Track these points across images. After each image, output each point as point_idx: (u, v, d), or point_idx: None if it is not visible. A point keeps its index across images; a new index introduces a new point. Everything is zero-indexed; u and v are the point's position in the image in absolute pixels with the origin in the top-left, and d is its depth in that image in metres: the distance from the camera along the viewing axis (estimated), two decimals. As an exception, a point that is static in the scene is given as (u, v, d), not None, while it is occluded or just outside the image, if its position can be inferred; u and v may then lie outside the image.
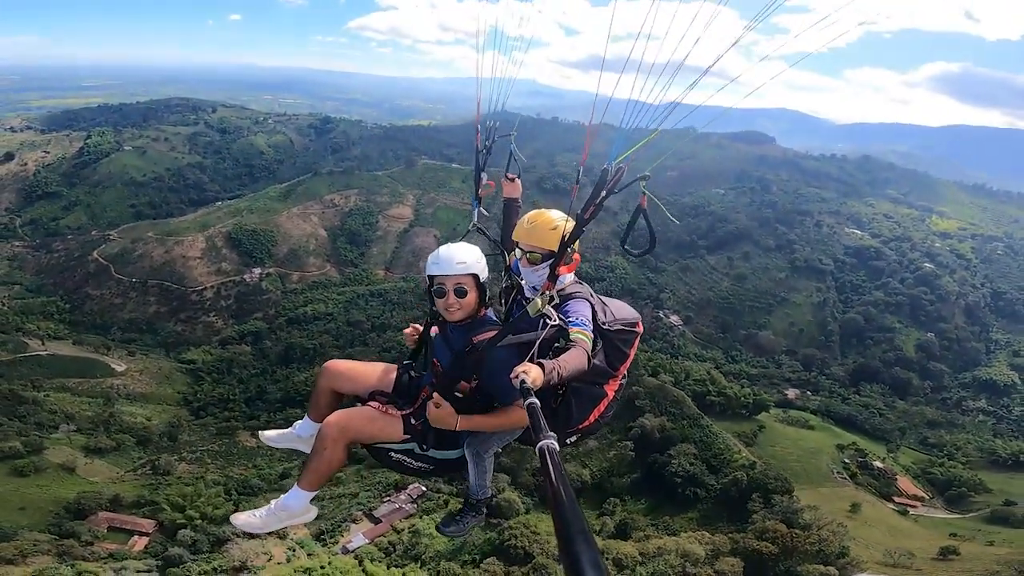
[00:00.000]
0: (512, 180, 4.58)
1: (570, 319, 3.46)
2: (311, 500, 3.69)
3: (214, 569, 44.49)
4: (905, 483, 62.57)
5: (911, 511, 57.83)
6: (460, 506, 4.27)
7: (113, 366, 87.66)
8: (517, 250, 3.76)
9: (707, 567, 39.74)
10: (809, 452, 60.40)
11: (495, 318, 3.75)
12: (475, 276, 3.53)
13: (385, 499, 47.60)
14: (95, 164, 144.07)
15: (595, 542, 1.18)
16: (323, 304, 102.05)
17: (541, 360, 2.96)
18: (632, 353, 3.88)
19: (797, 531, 42.80)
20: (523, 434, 3.79)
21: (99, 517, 50.16)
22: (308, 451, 4.07)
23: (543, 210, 3.80)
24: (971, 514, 58.07)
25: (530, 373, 2.80)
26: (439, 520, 4.23)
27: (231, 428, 72.98)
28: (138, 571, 43.53)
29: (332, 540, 47.74)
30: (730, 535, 44.14)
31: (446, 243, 3.66)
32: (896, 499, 59.21)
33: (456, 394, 3.49)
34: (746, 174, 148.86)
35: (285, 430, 4.35)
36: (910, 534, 50.03)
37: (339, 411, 3.63)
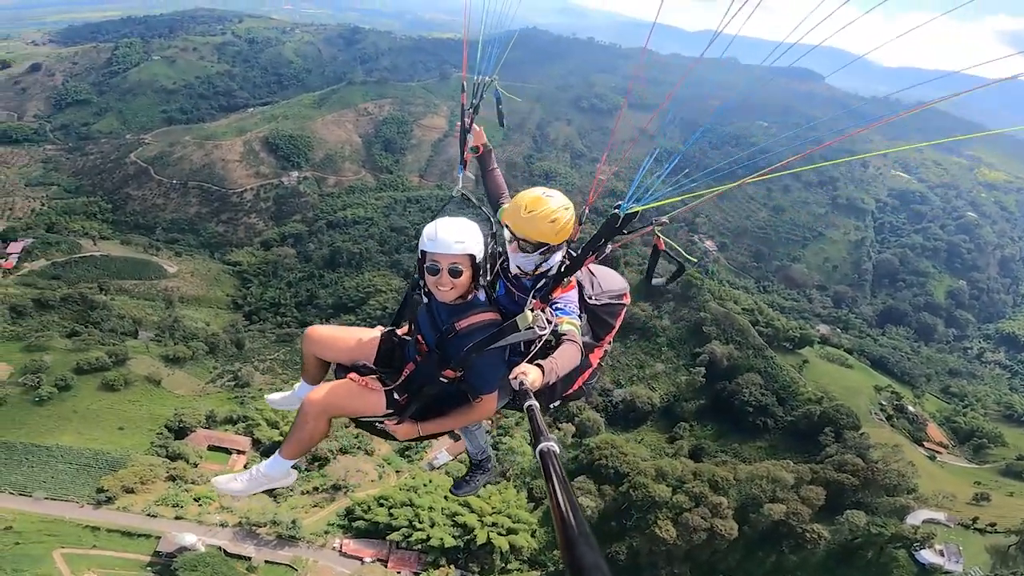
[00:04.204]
0: (477, 128, 4.27)
1: (556, 304, 3.40)
2: (291, 466, 3.72)
3: (315, 488, 48.41)
4: (933, 429, 64.59)
5: (937, 457, 60.33)
6: (469, 468, 4.47)
7: (165, 267, 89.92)
8: (507, 231, 3.48)
9: (793, 493, 42.88)
10: (849, 391, 61.64)
11: (484, 299, 3.50)
12: (472, 256, 3.27)
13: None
14: (124, 73, 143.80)
15: (596, 545, 1.22)
16: (362, 209, 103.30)
17: (540, 361, 2.96)
18: (618, 324, 3.80)
19: (877, 466, 45.68)
20: (510, 401, 3.67)
21: (199, 435, 51.89)
22: None
23: (541, 196, 3.43)
24: (987, 465, 60.36)
25: (529, 375, 2.80)
26: (451, 485, 4.48)
27: (289, 335, 74.65)
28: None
29: (416, 456, 50.44)
30: (809, 466, 46.99)
31: (440, 218, 3.39)
32: (925, 444, 61.34)
33: (441, 379, 3.37)
34: (791, 109, 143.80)
35: (288, 392, 4.36)
36: (939, 479, 52.53)
37: (321, 386, 3.62)
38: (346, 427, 55.33)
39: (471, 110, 4.23)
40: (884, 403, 63.73)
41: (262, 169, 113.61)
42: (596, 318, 3.68)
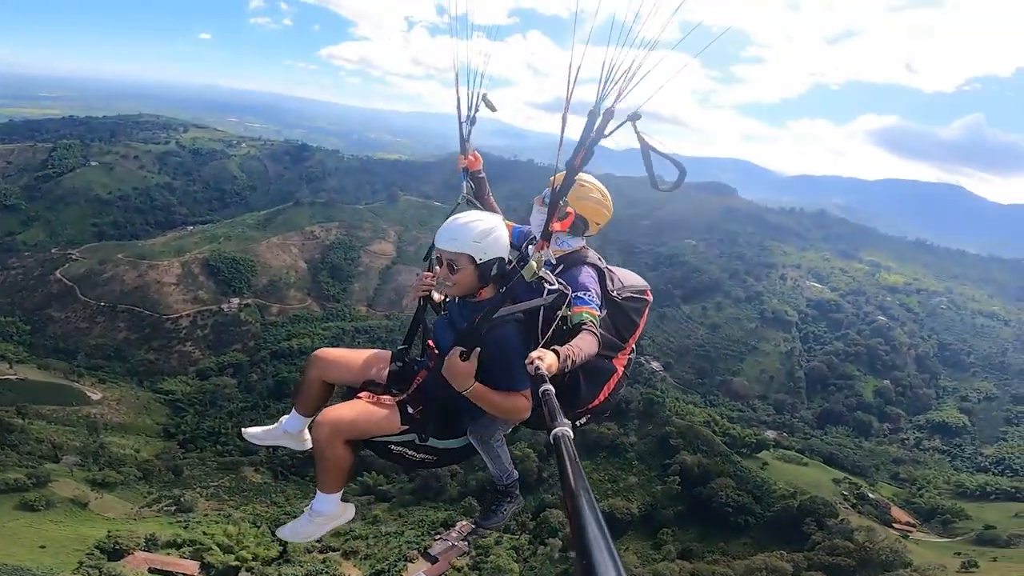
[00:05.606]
0: (474, 154, 4.38)
1: (577, 293, 3.33)
2: (342, 498, 3.54)
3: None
4: (897, 512, 67.11)
5: (910, 535, 61.85)
6: (494, 497, 4.09)
7: (88, 394, 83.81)
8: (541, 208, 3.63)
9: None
10: (812, 485, 64.28)
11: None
12: (470, 256, 3.23)
13: (437, 537, 47.84)
14: (58, 178, 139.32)
15: (607, 530, 1.20)
16: (309, 339, 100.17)
17: (555, 347, 2.90)
18: (642, 323, 3.75)
19: (867, 545, 47.42)
20: (531, 418, 3.43)
21: (137, 557, 46.85)
22: (295, 447, 4.02)
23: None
24: (959, 538, 62.45)
25: (545, 359, 2.75)
26: (480, 516, 4.12)
27: (233, 463, 70.70)
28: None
29: (393, 584, 47.07)
30: (803, 553, 48.38)
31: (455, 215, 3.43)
32: (895, 525, 63.21)
33: None
34: (714, 225, 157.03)
35: (270, 426, 4.09)
36: (920, 554, 53.91)
37: (328, 409, 3.40)
38: (317, 542, 51.19)
39: (468, 123, 4.25)
40: (845, 493, 66.41)
41: (201, 294, 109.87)
42: (621, 313, 3.59)
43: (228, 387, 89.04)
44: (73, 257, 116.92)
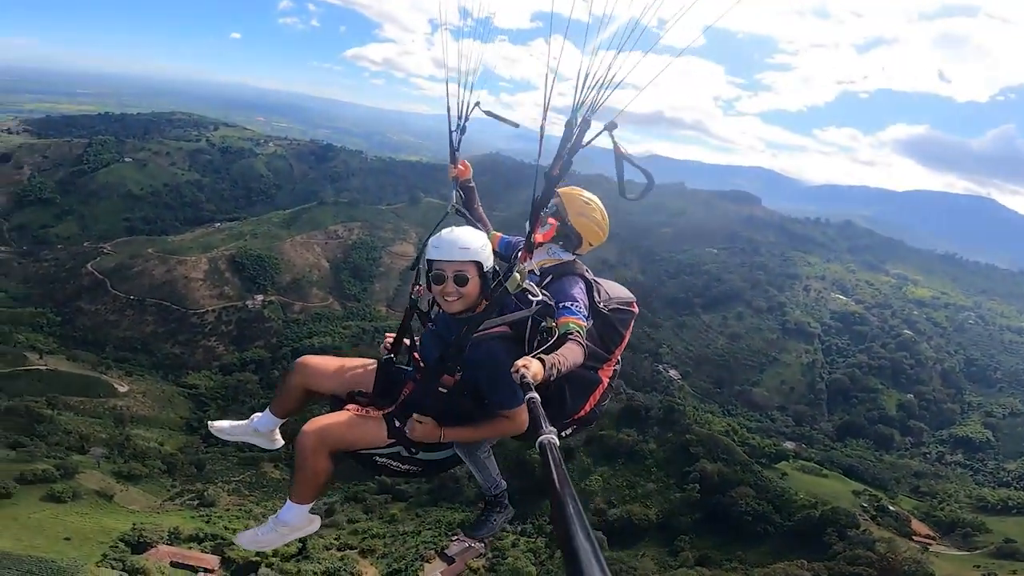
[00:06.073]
0: (463, 164, 4.31)
1: (564, 303, 3.35)
2: (310, 510, 3.50)
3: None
4: (917, 524, 66.19)
5: (930, 548, 60.81)
6: (483, 507, 4.03)
7: (116, 386, 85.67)
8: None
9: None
10: (831, 496, 63.66)
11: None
12: (478, 264, 3.21)
13: (454, 537, 48.23)
14: (92, 173, 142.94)
15: (595, 538, 1.21)
16: (330, 337, 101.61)
17: (541, 355, 2.89)
18: (627, 335, 3.75)
19: (891, 556, 47.18)
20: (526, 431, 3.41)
21: (160, 551, 47.93)
22: (265, 446, 4.02)
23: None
24: (978, 551, 61.28)
25: (531, 368, 2.73)
26: (468, 526, 4.02)
27: (254, 459, 71.77)
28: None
29: (410, 585, 47.51)
30: (823, 563, 48.25)
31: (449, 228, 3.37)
32: (915, 537, 62.13)
33: (440, 389, 3.21)
34: (736, 234, 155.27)
35: (240, 422, 4.06)
36: (939, 567, 53.11)
37: (316, 419, 3.34)
38: (335, 540, 52.23)
39: (458, 131, 4.17)
40: (865, 505, 65.56)
41: (227, 290, 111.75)
42: (607, 324, 3.61)
43: (250, 383, 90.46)
44: (104, 251, 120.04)
